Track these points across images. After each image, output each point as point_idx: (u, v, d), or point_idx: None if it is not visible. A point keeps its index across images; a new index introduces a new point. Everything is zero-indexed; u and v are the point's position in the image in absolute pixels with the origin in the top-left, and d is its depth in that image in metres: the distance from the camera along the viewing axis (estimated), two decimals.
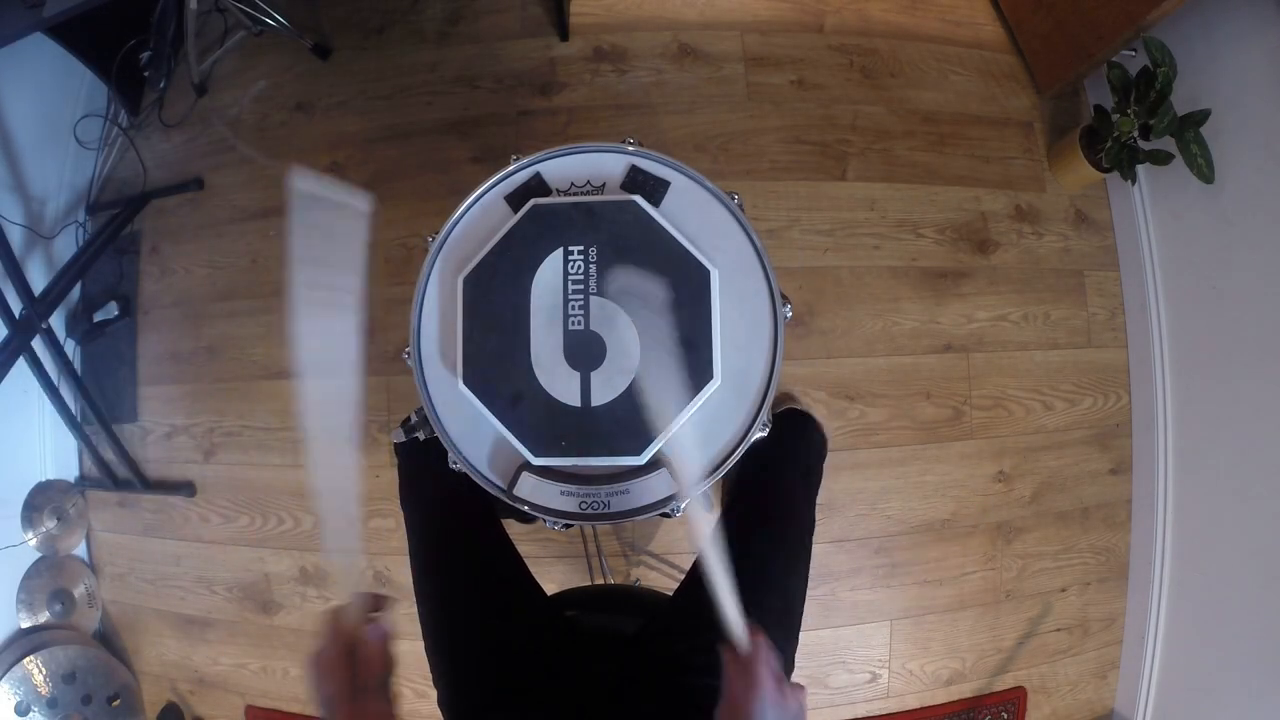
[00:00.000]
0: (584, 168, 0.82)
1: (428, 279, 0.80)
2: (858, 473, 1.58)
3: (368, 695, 0.51)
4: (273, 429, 1.65)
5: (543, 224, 0.76)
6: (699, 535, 0.56)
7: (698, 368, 0.73)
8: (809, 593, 0.85)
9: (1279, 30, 1.24)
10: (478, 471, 0.77)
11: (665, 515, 0.77)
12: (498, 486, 0.77)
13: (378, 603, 0.54)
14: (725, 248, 0.78)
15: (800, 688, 0.56)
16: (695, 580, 0.85)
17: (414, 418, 0.84)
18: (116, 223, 1.65)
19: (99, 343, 1.74)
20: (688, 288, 0.74)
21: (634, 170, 0.81)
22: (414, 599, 0.84)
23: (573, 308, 0.75)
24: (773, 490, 0.88)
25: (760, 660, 0.55)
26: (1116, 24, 1.42)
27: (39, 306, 1.46)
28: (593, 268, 0.75)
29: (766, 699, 0.53)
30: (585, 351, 0.74)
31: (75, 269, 1.58)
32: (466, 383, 0.74)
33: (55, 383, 1.57)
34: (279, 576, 1.63)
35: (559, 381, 0.74)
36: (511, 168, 0.82)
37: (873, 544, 1.57)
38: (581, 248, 0.76)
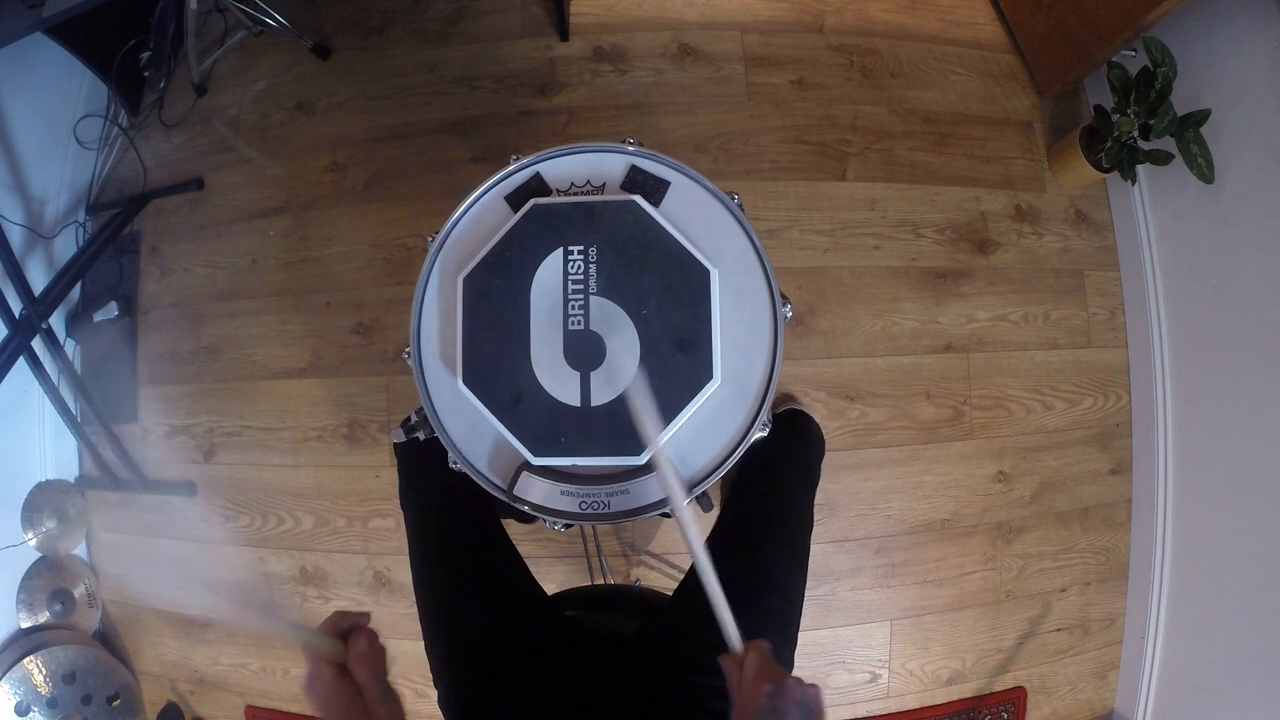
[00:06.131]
0: (584, 168, 0.81)
1: (428, 279, 0.80)
2: (858, 473, 1.58)
3: (374, 706, 0.50)
4: (273, 429, 1.65)
5: (543, 224, 0.76)
6: (694, 544, 0.55)
7: (697, 368, 0.73)
8: (809, 593, 0.85)
9: (1279, 30, 1.24)
10: (478, 471, 0.77)
11: (665, 515, 0.77)
12: (498, 486, 0.77)
13: (344, 620, 0.53)
14: (725, 248, 0.78)
15: (815, 685, 0.52)
16: (695, 579, 0.85)
17: (414, 418, 0.84)
18: (116, 223, 1.65)
19: (99, 343, 1.73)
20: (688, 288, 0.74)
21: (634, 170, 0.81)
22: (414, 599, 0.84)
23: (573, 308, 0.75)
24: (774, 490, 0.88)
25: (769, 663, 0.53)
26: (1116, 24, 1.42)
27: (39, 306, 1.46)
28: (593, 268, 0.75)
29: (794, 696, 0.49)
30: (585, 351, 0.74)
31: (75, 269, 1.58)
32: (466, 383, 0.74)
33: (55, 383, 1.57)
34: (279, 576, 1.63)
35: (559, 381, 0.74)
36: (511, 168, 0.82)
37: (873, 544, 1.57)
38: (581, 248, 0.76)
